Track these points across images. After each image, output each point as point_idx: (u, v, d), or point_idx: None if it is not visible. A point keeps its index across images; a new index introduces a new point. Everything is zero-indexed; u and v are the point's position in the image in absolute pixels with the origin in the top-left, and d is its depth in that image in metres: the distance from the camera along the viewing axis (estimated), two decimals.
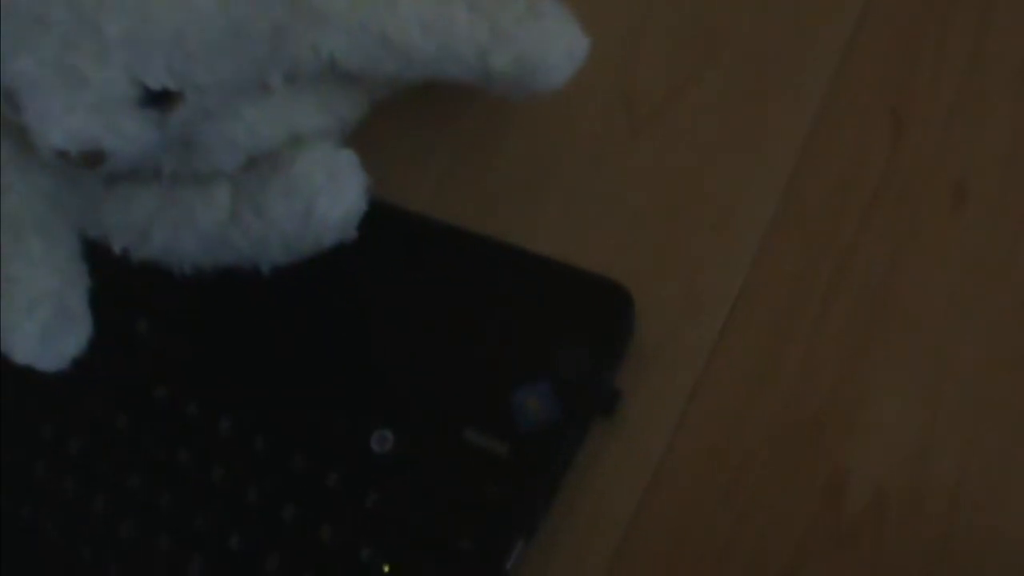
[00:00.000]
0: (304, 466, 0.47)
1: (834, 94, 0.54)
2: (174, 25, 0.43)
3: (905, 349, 0.48)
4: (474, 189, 0.54)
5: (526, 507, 0.45)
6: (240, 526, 0.47)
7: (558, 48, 0.49)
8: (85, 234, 0.50)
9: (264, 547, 0.46)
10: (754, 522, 0.46)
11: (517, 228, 0.52)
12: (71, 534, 0.49)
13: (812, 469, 0.47)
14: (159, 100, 0.44)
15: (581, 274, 0.49)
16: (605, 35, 0.55)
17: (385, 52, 0.48)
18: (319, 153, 0.48)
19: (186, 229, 0.50)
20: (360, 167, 0.48)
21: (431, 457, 0.47)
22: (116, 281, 0.48)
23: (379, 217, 0.49)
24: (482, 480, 0.46)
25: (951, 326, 0.48)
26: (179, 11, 0.43)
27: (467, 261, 0.51)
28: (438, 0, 0.48)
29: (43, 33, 0.42)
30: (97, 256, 0.49)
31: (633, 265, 0.51)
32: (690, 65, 0.55)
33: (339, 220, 0.47)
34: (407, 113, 0.53)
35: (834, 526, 0.46)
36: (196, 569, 0.47)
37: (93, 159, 0.44)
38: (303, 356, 0.49)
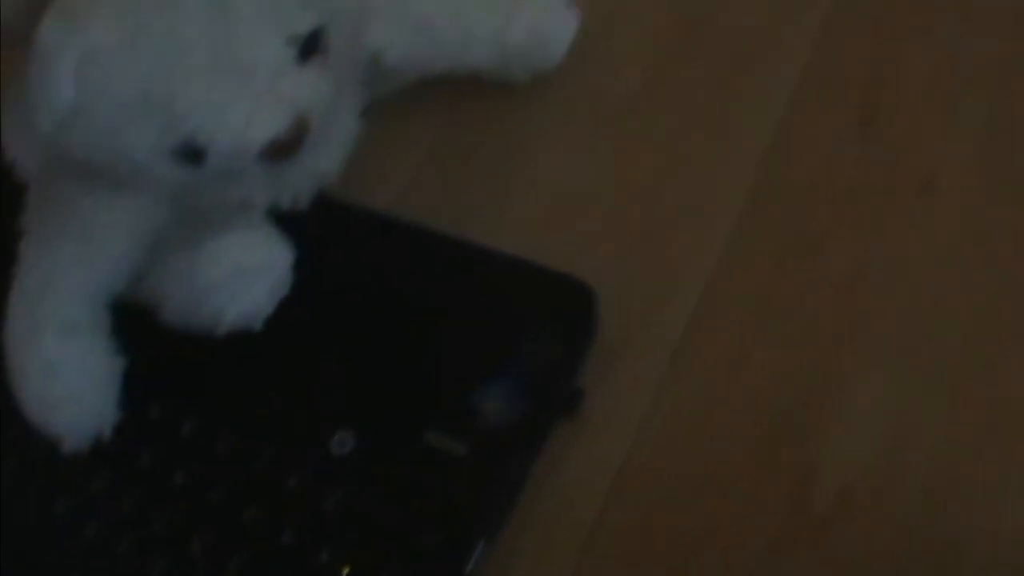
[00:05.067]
0: (265, 468, 0.47)
1: (804, 87, 0.53)
2: None
3: (875, 344, 0.48)
4: (441, 187, 0.54)
5: (487, 508, 0.45)
6: (201, 528, 0.46)
7: (558, 19, 0.54)
8: None
9: (225, 549, 0.46)
10: (721, 521, 0.46)
11: (484, 225, 0.51)
12: (35, 530, 0.49)
13: (780, 467, 0.46)
14: (311, 46, 0.43)
15: (544, 272, 0.48)
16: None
17: (422, 40, 0.50)
18: (237, 241, 0.47)
19: None
20: (282, 266, 0.47)
21: (392, 459, 0.46)
22: None
23: (341, 216, 0.49)
24: (443, 481, 0.45)
25: (921, 320, 0.48)
26: None
27: (430, 260, 0.50)
28: None
29: (187, 54, 0.41)
30: None
31: (599, 261, 0.50)
32: (659, 60, 0.55)
33: (232, 319, 0.47)
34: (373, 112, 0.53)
35: (803, 524, 0.45)
36: (157, 570, 0.46)
37: (300, 130, 0.43)
38: (264, 357, 0.49)
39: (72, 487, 0.49)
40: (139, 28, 0.41)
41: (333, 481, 0.46)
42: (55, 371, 0.47)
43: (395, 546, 0.45)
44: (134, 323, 0.49)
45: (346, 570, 0.45)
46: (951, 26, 0.53)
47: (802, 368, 0.47)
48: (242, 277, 0.47)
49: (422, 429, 0.46)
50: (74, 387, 0.47)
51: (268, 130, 0.42)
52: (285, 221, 0.49)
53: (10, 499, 0.49)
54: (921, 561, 0.44)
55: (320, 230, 0.48)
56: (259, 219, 0.49)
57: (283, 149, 0.43)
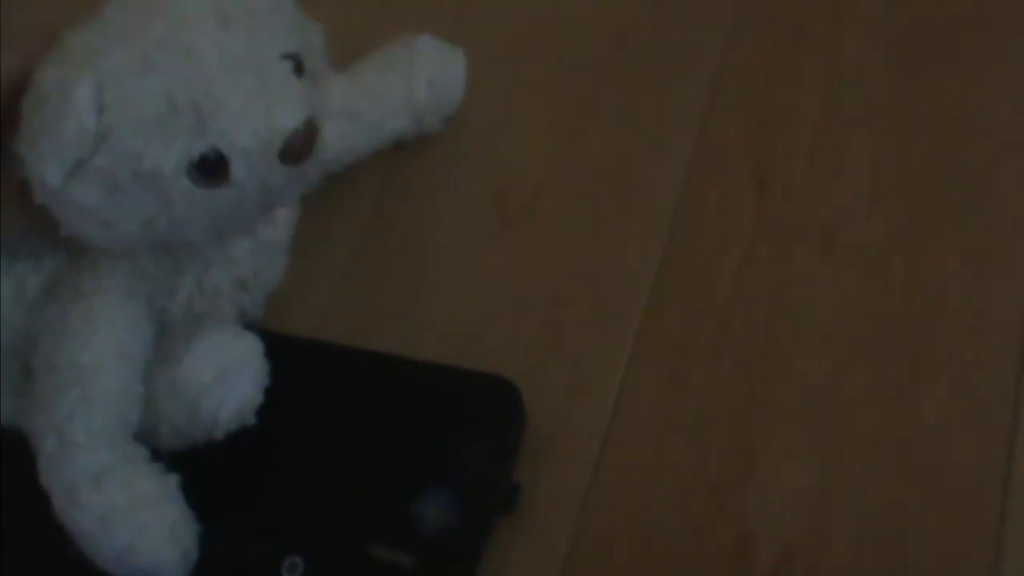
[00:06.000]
0: None
1: (697, 161, 0.55)
2: None
3: (793, 399, 0.49)
4: (359, 306, 0.55)
5: None
6: None
7: (449, 62, 0.58)
8: None
9: None
10: None
11: (405, 337, 0.53)
12: None
13: (717, 534, 0.47)
14: (299, 65, 0.45)
15: (467, 374, 0.50)
16: (468, 135, 0.58)
17: (351, 128, 0.54)
18: (211, 344, 0.48)
19: None
20: (258, 355, 0.49)
21: None
22: None
23: (267, 344, 0.50)
24: None
25: (833, 371, 0.49)
26: None
27: (357, 377, 0.51)
28: (356, 75, 0.56)
29: (204, 62, 0.43)
30: None
31: (520, 355, 0.51)
32: (554, 153, 0.57)
33: (229, 417, 0.48)
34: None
35: None
36: None
37: (314, 129, 0.45)
38: (205, 490, 0.49)
39: None
40: (152, 47, 0.43)
41: None
42: (110, 522, 0.46)
43: None
44: None
45: None
46: (828, 83, 0.56)
47: (726, 435, 0.49)
48: (226, 376, 0.48)
49: (367, 544, 0.47)
50: (137, 527, 0.47)
51: (290, 119, 0.44)
52: None
53: None
54: None
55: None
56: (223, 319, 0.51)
57: (300, 147, 0.44)
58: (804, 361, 0.50)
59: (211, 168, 0.44)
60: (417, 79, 0.56)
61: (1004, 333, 0.49)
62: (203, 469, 0.49)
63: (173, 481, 0.48)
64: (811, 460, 0.48)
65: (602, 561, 0.48)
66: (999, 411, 0.47)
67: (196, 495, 0.49)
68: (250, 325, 0.51)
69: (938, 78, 0.55)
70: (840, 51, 0.56)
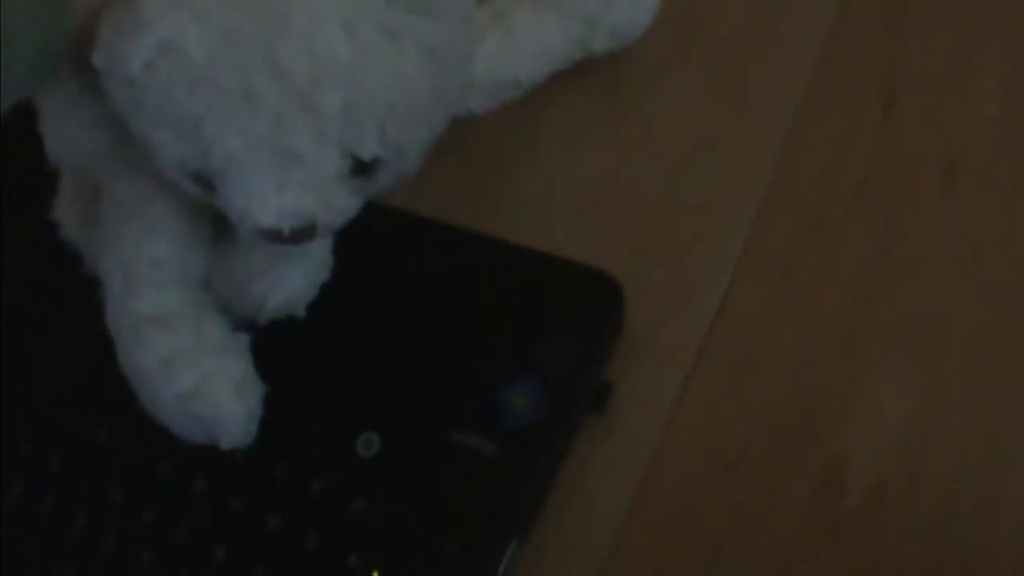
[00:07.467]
0: (289, 473, 0.46)
1: (822, 73, 0.53)
2: (386, 95, 0.41)
3: (899, 331, 0.47)
4: (456, 182, 0.52)
5: (517, 509, 0.44)
6: (225, 538, 0.46)
7: (639, 7, 0.53)
8: None
9: (249, 558, 0.45)
10: (750, 516, 0.45)
11: (500, 220, 0.51)
12: (50, 553, 0.47)
13: (808, 459, 0.46)
14: (366, 168, 0.43)
15: (567, 265, 0.48)
16: None
17: (510, 93, 0.52)
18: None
19: None
20: (321, 249, 0.47)
21: (418, 459, 0.45)
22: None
23: (361, 214, 0.48)
24: (471, 482, 0.44)
25: (944, 305, 0.47)
26: (390, 81, 0.41)
27: (449, 255, 0.49)
28: (535, 17, 0.52)
29: (253, 112, 0.40)
30: None
31: (620, 254, 0.49)
32: (674, 49, 0.54)
33: (275, 307, 0.46)
34: None
35: (832, 517, 0.45)
36: None
37: (304, 234, 0.42)
38: (285, 360, 0.47)
39: (89, 500, 0.48)
40: (225, 50, 0.40)
41: (359, 484, 0.45)
42: (174, 364, 0.45)
43: (426, 549, 0.44)
44: None
45: (375, 574, 0.44)
46: (963, 8, 0.53)
47: (827, 358, 0.47)
48: (279, 265, 0.46)
49: (449, 428, 0.45)
50: (202, 373, 0.45)
51: (272, 220, 0.41)
52: None
53: (24, 515, 0.48)
54: (951, 550, 0.44)
55: (342, 229, 0.47)
56: None
57: (280, 239, 0.42)
58: (912, 292, 0.48)
59: (204, 183, 0.43)
60: (599, 30, 0.52)
61: None
62: (281, 334, 0.47)
63: (244, 339, 0.46)
64: (913, 394, 0.46)
65: (686, 474, 0.46)
66: None
67: (271, 359, 0.47)
68: None
69: None
70: None
